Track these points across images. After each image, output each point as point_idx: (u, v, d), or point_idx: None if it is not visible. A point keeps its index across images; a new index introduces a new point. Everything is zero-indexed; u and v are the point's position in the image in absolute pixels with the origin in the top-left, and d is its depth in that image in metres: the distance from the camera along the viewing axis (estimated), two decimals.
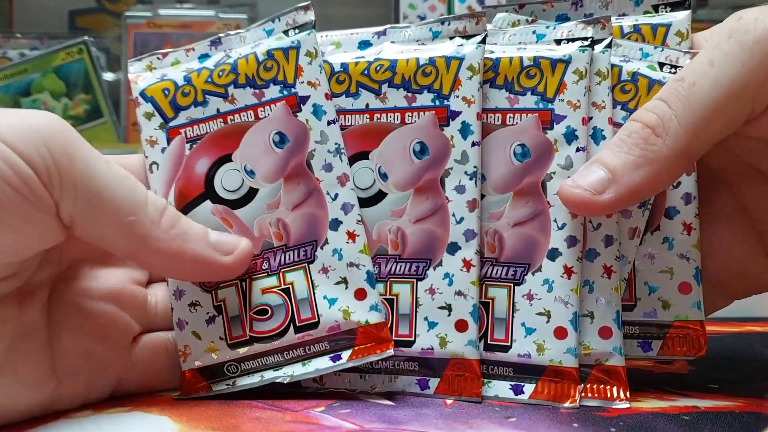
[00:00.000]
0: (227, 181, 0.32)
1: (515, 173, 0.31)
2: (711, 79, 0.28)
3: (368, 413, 0.29)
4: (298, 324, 0.30)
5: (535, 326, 0.30)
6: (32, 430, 0.27)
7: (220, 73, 0.32)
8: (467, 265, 0.31)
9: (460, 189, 0.31)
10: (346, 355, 0.30)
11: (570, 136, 0.31)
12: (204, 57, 0.33)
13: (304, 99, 0.31)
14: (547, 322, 0.30)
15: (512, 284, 0.31)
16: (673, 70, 0.32)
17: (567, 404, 0.29)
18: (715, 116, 0.28)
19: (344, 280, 0.31)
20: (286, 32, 0.32)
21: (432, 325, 0.31)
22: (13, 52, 0.99)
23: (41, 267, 0.29)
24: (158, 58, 0.34)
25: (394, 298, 0.31)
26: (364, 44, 0.33)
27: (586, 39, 0.31)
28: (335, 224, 0.31)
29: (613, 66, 0.32)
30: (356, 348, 0.30)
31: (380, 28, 0.33)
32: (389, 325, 0.31)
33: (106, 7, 1.10)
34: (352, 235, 0.31)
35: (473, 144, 0.31)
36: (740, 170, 0.33)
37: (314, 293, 0.31)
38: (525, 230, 0.31)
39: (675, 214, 0.32)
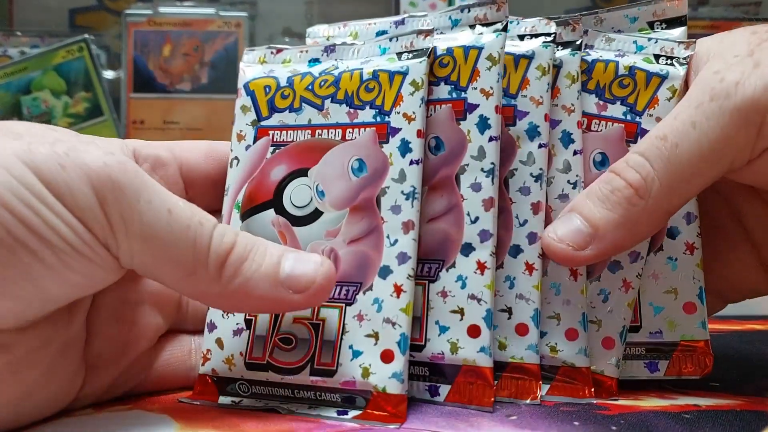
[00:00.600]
0: (296, 196, 0.31)
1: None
2: (692, 142, 0.28)
3: None
4: (315, 366, 0.29)
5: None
6: (32, 429, 0.27)
7: (322, 84, 0.31)
8: (481, 267, 0.29)
9: (475, 187, 0.30)
10: (352, 413, 0.28)
11: (532, 132, 0.31)
12: (314, 61, 0.32)
13: (395, 131, 0.30)
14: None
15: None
16: (668, 62, 0.32)
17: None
18: (695, 177, 0.28)
19: (375, 335, 0.28)
20: (399, 54, 0.31)
21: (443, 329, 0.30)
22: (14, 50, 0.99)
23: None
24: (272, 53, 0.33)
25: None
26: (382, 33, 0.33)
27: (549, 35, 0.31)
28: (385, 272, 0.29)
29: (608, 62, 0.32)
30: (366, 411, 0.28)
31: (398, 18, 0.32)
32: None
33: (107, 5, 1.10)
34: (398, 289, 0.28)
35: (491, 139, 0.30)
36: (735, 185, 0.33)
37: (341, 339, 0.29)
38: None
39: (677, 234, 0.32)
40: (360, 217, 0.30)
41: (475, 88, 0.30)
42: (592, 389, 0.30)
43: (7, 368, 0.25)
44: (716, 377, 0.33)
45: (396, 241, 0.29)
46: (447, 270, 0.30)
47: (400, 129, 0.30)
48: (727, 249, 0.34)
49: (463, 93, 0.30)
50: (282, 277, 0.27)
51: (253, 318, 0.30)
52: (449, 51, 0.31)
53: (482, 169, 0.30)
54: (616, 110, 0.32)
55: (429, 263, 0.30)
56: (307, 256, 0.28)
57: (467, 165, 0.30)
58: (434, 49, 0.31)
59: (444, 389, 0.30)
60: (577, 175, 0.31)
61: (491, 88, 0.30)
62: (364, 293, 0.29)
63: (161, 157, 0.31)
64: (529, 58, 0.31)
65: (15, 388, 0.26)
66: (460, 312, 0.29)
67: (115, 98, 0.98)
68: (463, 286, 0.29)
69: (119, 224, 0.25)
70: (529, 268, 0.30)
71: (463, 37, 0.31)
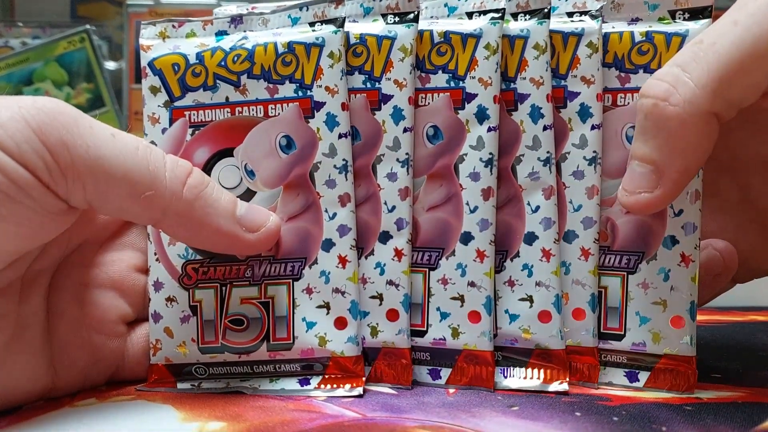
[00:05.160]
0: (225, 177, 0.30)
1: (428, 155, 0.31)
2: (734, 38, 0.26)
3: (371, 402, 0.29)
4: (272, 342, 0.30)
5: (450, 311, 0.30)
6: (36, 419, 0.27)
7: (235, 59, 0.30)
8: (399, 254, 0.30)
9: (391, 176, 0.30)
10: (314, 381, 0.30)
11: (481, 115, 0.30)
12: (221, 34, 0.31)
13: (319, 105, 0.30)
14: (461, 306, 0.30)
15: (427, 269, 0.31)
16: (686, 15, 0.31)
17: (483, 388, 0.30)
18: (738, 76, 0.26)
19: (326, 305, 0.30)
20: (312, 24, 0.30)
21: (364, 315, 0.31)
22: (15, 41, 0.99)
23: (45, 252, 0.29)
24: (173, 26, 0.31)
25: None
26: (295, 21, 0.32)
27: (498, 11, 0.30)
28: (328, 245, 0.30)
29: (622, 32, 0.31)
30: (326, 376, 0.30)
31: (303, 2, 0.31)
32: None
33: None
34: (343, 260, 0.30)
35: (405, 130, 0.30)
36: (749, 160, 0.32)
37: (294, 313, 0.30)
38: (438, 214, 0.31)
39: (674, 245, 0.30)
40: (295, 193, 0.30)
41: (389, 79, 0.30)
42: (568, 376, 0.30)
43: None
44: (718, 369, 0.33)
45: (335, 214, 0.30)
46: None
47: (324, 103, 0.30)
48: (737, 231, 0.33)
49: (377, 83, 0.30)
50: (238, 213, 0.28)
51: (198, 304, 0.30)
52: (362, 39, 0.30)
53: (398, 159, 0.30)
54: (642, 79, 0.30)
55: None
56: (255, 206, 0.29)
57: (383, 155, 0.30)
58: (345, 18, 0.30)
59: (366, 370, 0.30)
60: (594, 152, 0.31)
61: (404, 79, 0.30)
62: (310, 267, 0.30)
63: None
64: (477, 37, 0.30)
65: None
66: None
67: (116, 89, 0.97)
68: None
69: (63, 152, 0.24)
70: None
71: (375, 27, 0.31)
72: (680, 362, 0.30)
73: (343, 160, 0.30)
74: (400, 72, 0.30)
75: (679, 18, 0.31)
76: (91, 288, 0.30)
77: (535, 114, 0.30)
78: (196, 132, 0.31)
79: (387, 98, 0.30)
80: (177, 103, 0.31)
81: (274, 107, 0.30)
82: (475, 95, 0.30)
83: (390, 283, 0.30)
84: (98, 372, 0.30)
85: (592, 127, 0.31)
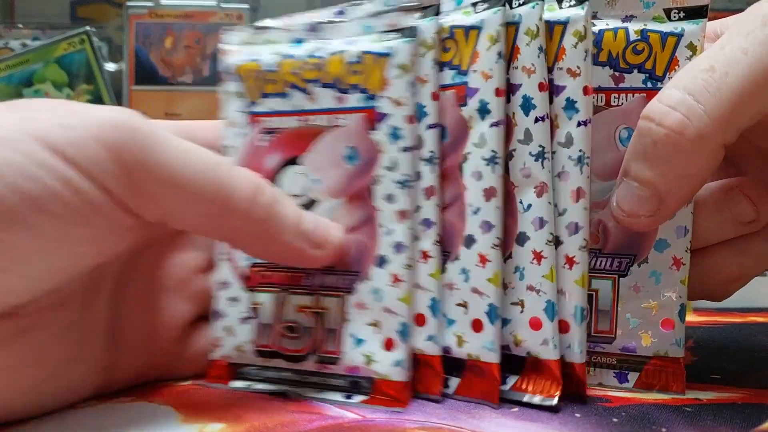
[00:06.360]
0: (292, 184, 0.30)
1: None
2: (745, 68, 0.26)
3: None
4: (319, 354, 0.29)
5: (455, 318, 0.29)
6: (37, 419, 0.27)
7: (308, 67, 0.30)
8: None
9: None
10: (358, 398, 0.29)
11: (483, 110, 0.29)
12: (298, 42, 0.31)
13: (383, 117, 0.29)
14: (465, 313, 0.29)
15: None
16: (681, 14, 0.30)
17: (489, 402, 0.28)
18: (749, 106, 0.26)
19: (376, 324, 0.29)
20: (384, 34, 0.30)
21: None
22: (15, 42, 0.99)
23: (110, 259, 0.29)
24: (255, 33, 0.32)
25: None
26: (368, 30, 0.31)
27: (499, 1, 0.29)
28: (382, 262, 0.29)
29: (617, 30, 0.30)
30: (371, 397, 0.29)
31: (377, 10, 0.30)
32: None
33: None
34: (396, 279, 0.28)
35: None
36: (750, 153, 0.32)
37: (343, 327, 0.29)
38: (444, 216, 0.29)
39: (665, 248, 0.30)
40: (355, 205, 0.30)
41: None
42: (560, 388, 0.28)
43: (30, 353, 0.25)
44: (718, 369, 0.33)
45: (392, 230, 0.29)
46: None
47: (389, 115, 0.29)
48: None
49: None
50: (304, 228, 0.28)
51: (258, 307, 0.30)
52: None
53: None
54: (636, 79, 0.30)
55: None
56: (322, 219, 0.29)
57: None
58: (417, 27, 0.29)
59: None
60: (580, 150, 0.28)
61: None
62: (363, 282, 0.29)
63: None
64: (479, 28, 0.29)
65: (39, 371, 0.26)
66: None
67: (116, 90, 0.98)
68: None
69: (137, 170, 0.24)
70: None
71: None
72: (668, 363, 0.30)
73: (405, 174, 0.29)
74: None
75: (675, 17, 0.30)
76: (156, 291, 0.30)
77: (527, 105, 0.29)
78: (269, 138, 0.31)
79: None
80: (254, 109, 0.31)
81: (340, 117, 0.30)
82: (477, 89, 0.29)
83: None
84: (151, 370, 0.30)
85: (578, 124, 0.29)
